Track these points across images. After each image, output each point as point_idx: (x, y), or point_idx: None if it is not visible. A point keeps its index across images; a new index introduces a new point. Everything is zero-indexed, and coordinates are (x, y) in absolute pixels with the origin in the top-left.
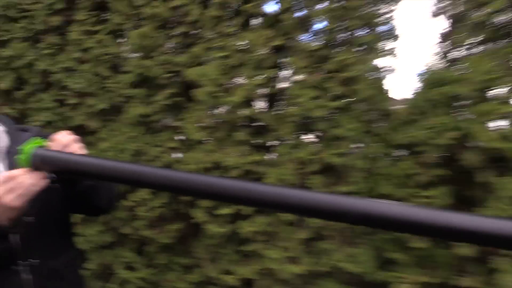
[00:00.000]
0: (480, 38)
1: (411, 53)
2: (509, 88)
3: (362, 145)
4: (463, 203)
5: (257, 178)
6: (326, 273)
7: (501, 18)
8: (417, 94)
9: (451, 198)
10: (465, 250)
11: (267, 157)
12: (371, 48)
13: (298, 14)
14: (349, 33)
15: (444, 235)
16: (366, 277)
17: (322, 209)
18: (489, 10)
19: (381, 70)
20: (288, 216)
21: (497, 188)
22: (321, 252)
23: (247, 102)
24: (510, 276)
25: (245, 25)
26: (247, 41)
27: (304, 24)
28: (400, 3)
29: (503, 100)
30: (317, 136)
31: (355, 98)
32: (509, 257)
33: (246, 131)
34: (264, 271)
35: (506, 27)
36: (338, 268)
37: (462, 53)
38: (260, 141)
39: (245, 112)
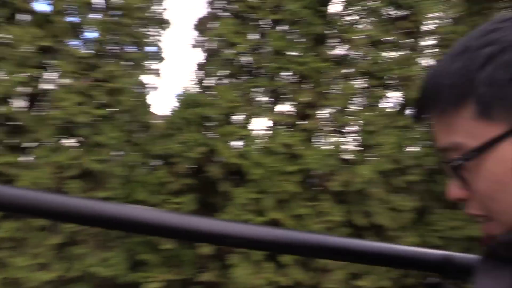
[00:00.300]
0: (228, 72)
1: (173, 75)
2: (246, 115)
3: (122, 153)
4: (207, 209)
5: (9, 180)
6: (78, 278)
7: (245, 59)
8: (174, 112)
9: (197, 204)
10: (205, 249)
11: (22, 159)
12: (138, 65)
13: (70, 19)
14: (119, 47)
15: (189, 237)
16: (118, 279)
17: (74, 214)
18: (235, 50)
19: (146, 86)
20: (40, 221)
21: (233, 197)
22: (74, 257)
23: (4, 99)
24: (240, 269)
25: (10, 19)
26: (10, 36)
27: (76, 30)
28: (167, 30)
29: (241, 125)
30: (79, 141)
31: (119, 109)
32: (240, 253)
33: (0, 130)
34: (8, 280)
35: (248, 66)
36: (90, 272)
37: (213, 82)
38: (15, 141)
39: (1, 109)
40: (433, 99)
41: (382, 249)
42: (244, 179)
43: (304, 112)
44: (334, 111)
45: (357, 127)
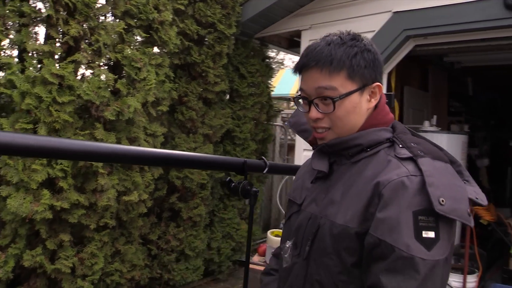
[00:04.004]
0: None
1: None
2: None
3: None
4: None
5: None
6: None
7: None
8: None
9: None
10: None
11: None
12: None
13: None
14: None
15: None
16: None
17: None
18: None
19: None
20: None
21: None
22: None
23: None
24: (15, 199)
25: None
26: None
27: None
28: None
29: None
30: None
31: None
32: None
33: None
34: None
35: None
36: None
37: None
38: None
39: None
40: (327, 63)
41: (203, 158)
42: (12, 110)
43: (72, 44)
44: (102, 45)
45: (123, 63)
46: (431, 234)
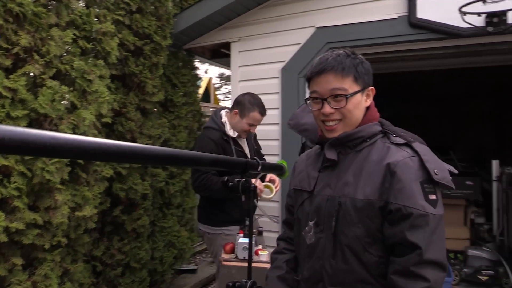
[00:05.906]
0: None
1: None
2: None
3: None
4: None
5: None
6: None
7: None
8: None
9: None
10: None
11: None
12: None
13: None
14: None
15: None
16: None
17: None
18: None
19: None
20: None
21: None
22: None
23: None
24: None
25: None
26: None
27: None
28: None
29: None
30: None
31: None
32: None
33: None
34: None
35: None
36: None
37: None
38: None
39: None
40: (340, 69)
41: (214, 157)
42: None
43: (23, 55)
44: (53, 57)
45: (74, 75)
46: (434, 196)
